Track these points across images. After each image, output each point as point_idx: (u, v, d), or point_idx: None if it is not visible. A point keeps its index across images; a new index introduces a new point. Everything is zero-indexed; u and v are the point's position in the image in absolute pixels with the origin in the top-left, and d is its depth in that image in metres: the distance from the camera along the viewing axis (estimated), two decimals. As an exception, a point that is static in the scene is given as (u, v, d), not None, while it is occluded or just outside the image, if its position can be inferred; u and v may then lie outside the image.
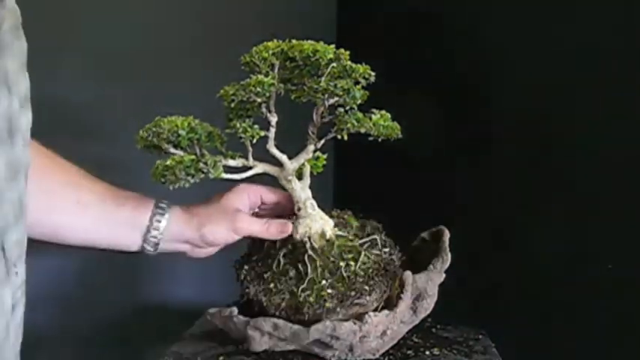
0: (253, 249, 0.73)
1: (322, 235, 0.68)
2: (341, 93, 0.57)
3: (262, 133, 0.61)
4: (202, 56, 1.11)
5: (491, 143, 0.90)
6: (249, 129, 0.58)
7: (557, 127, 0.81)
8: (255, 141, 0.61)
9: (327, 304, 0.61)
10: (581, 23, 0.80)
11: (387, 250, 0.70)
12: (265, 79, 0.56)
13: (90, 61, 1.02)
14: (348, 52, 0.62)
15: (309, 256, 0.66)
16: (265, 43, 0.61)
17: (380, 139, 0.64)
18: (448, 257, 0.66)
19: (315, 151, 0.66)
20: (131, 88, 1.06)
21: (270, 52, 0.59)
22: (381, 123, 0.59)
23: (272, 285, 0.65)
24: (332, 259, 0.66)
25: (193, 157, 0.59)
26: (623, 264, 0.74)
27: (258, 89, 0.56)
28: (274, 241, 0.70)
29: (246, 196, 0.72)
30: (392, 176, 0.89)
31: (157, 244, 0.69)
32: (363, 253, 0.67)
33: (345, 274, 0.64)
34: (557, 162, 0.81)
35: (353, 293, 0.62)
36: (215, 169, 0.59)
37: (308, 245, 0.67)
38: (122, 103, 1.05)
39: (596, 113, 0.78)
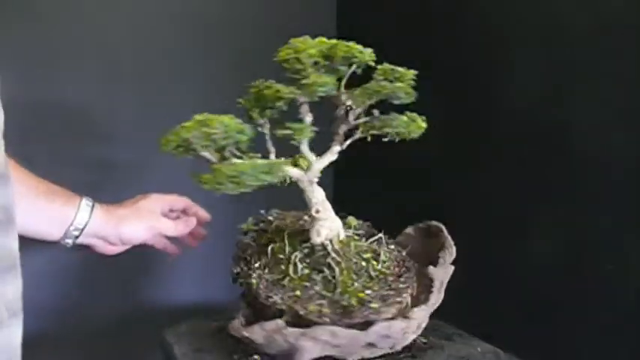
0: (248, 257, 0.69)
1: (338, 236, 0.67)
2: (391, 94, 0.58)
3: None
4: (202, 55, 1.11)
5: (491, 143, 0.90)
6: (305, 129, 0.55)
7: (557, 127, 0.81)
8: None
9: (373, 305, 0.60)
10: (582, 23, 0.79)
11: (392, 247, 0.73)
12: (328, 79, 0.53)
13: (91, 62, 1.01)
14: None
15: (333, 258, 0.65)
16: (303, 40, 0.58)
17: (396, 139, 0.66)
18: (454, 249, 0.70)
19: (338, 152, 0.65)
20: (132, 88, 1.05)
21: (317, 49, 0.56)
22: (408, 124, 0.61)
23: (298, 292, 0.62)
24: (354, 259, 0.66)
25: (265, 160, 0.53)
26: (624, 264, 0.74)
27: (322, 89, 0.53)
28: (282, 246, 0.67)
29: (159, 204, 0.83)
30: (392, 176, 0.88)
31: (76, 237, 0.77)
32: (382, 251, 0.68)
33: (372, 274, 0.65)
34: (557, 162, 0.80)
35: (392, 292, 0.62)
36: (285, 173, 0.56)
37: (330, 248, 0.65)
38: (123, 104, 1.04)
39: (597, 113, 0.78)
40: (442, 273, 0.67)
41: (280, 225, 0.73)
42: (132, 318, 1.05)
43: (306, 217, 0.76)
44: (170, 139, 0.54)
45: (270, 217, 0.76)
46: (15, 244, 0.47)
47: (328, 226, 0.66)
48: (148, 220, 0.80)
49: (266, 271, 0.66)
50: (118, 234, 0.79)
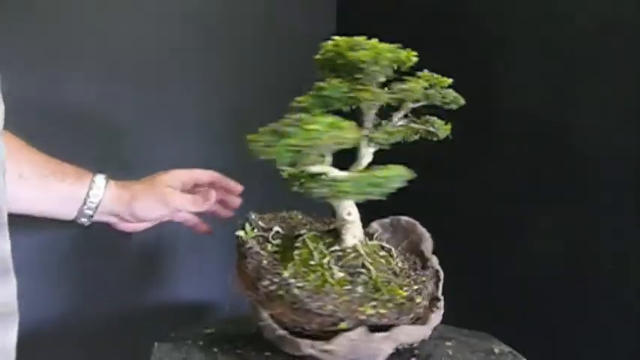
0: (267, 267, 0.63)
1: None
2: (437, 98, 0.60)
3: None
4: (202, 56, 1.09)
5: (491, 143, 0.90)
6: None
7: (557, 127, 0.81)
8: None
9: (418, 300, 0.63)
10: (582, 23, 0.81)
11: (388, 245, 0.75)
12: (417, 86, 0.54)
13: (91, 62, 0.99)
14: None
15: (366, 260, 0.65)
16: (373, 42, 0.56)
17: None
18: (431, 242, 0.77)
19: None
20: (132, 88, 1.02)
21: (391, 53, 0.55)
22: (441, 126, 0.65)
23: (346, 297, 0.61)
24: (378, 260, 0.67)
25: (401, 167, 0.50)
26: (624, 264, 0.75)
27: (416, 95, 0.53)
28: (309, 252, 0.64)
29: (179, 178, 0.80)
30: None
31: (90, 217, 0.76)
32: (393, 250, 0.70)
33: (396, 271, 0.67)
34: (557, 162, 0.81)
35: (421, 286, 0.66)
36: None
37: (362, 250, 0.65)
38: (124, 104, 1.02)
39: (597, 113, 0.78)
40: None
41: (289, 230, 0.69)
42: (132, 318, 1.02)
43: (307, 219, 0.75)
44: (280, 146, 0.47)
45: (262, 223, 0.71)
46: (7, 247, 0.46)
47: (357, 227, 0.66)
48: (163, 196, 0.77)
49: (298, 279, 0.62)
50: (131, 211, 0.77)
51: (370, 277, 0.64)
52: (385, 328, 0.60)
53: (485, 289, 0.90)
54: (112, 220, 0.79)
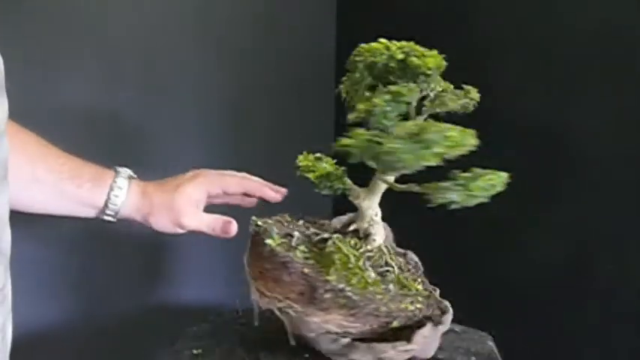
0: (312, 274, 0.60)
1: (384, 238, 0.69)
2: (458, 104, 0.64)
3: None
4: (202, 55, 1.08)
5: (491, 144, 0.80)
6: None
7: (557, 127, 0.80)
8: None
9: (437, 295, 0.68)
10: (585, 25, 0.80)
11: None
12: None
13: (91, 61, 0.97)
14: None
15: (392, 259, 0.66)
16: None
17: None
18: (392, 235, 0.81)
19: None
20: (133, 88, 1.01)
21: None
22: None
23: (387, 297, 0.62)
24: (393, 258, 0.69)
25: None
26: (624, 264, 0.75)
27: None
28: (345, 255, 0.62)
29: (206, 189, 0.75)
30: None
31: (111, 221, 0.74)
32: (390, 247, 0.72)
33: (403, 268, 0.70)
34: (557, 162, 0.80)
35: (426, 280, 0.70)
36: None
37: (386, 250, 0.66)
38: (124, 103, 1.00)
39: (597, 113, 0.78)
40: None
41: (303, 234, 0.66)
42: (133, 318, 1.01)
43: (303, 221, 0.73)
44: (427, 154, 0.46)
45: (276, 229, 0.66)
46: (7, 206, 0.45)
47: (382, 228, 0.67)
48: (178, 217, 0.73)
49: (344, 283, 0.61)
50: (146, 223, 0.74)
51: (395, 275, 0.67)
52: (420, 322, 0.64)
53: (484, 289, 0.90)
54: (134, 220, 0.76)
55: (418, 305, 0.64)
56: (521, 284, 0.86)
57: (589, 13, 0.78)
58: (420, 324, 0.63)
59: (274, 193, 0.79)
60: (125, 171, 0.74)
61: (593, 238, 0.78)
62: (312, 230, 0.68)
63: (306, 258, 0.64)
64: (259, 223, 0.67)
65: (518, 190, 0.94)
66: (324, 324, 0.60)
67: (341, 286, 0.60)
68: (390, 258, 0.68)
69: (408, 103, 0.57)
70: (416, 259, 0.78)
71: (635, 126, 0.73)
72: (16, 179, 0.64)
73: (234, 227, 0.73)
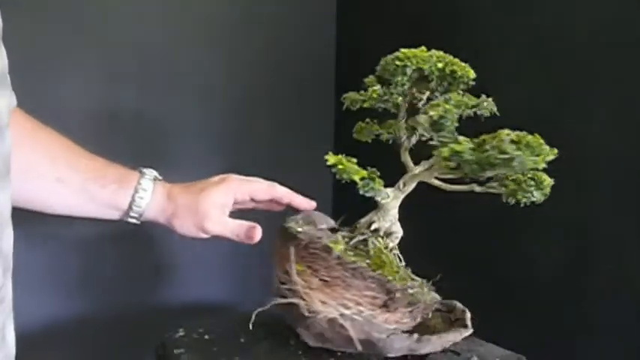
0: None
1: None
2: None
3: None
4: (202, 55, 1.07)
5: None
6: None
7: (557, 127, 0.78)
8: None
9: None
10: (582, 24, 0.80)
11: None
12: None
13: (91, 61, 0.97)
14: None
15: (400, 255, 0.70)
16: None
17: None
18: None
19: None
20: (132, 88, 1.00)
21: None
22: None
23: (417, 287, 0.66)
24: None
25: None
26: (624, 264, 0.75)
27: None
28: (387, 256, 0.64)
29: (232, 193, 0.73)
30: (391, 178, 0.67)
31: (135, 223, 0.72)
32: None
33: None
34: (557, 162, 0.72)
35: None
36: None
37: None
38: (124, 103, 1.00)
39: (597, 113, 0.77)
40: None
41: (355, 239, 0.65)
42: (137, 317, 1.01)
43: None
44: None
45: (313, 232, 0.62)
46: (8, 203, 0.44)
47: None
48: (202, 221, 0.71)
49: (400, 282, 0.63)
50: (170, 226, 0.72)
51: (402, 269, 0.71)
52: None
53: (485, 289, 0.90)
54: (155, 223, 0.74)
55: (433, 294, 0.71)
56: (521, 284, 0.87)
57: (588, 12, 0.79)
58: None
59: (306, 200, 0.76)
60: (150, 172, 0.72)
61: (593, 237, 0.78)
62: (344, 233, 0.68)
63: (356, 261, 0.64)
64: (301, 229, 0.63)
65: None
66: (391, 324, 0.61)
67: (405, 285, 0.63)
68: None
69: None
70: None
71: (636, 126, 0.73)
72: (39, 179, 0.64)
73: (258, 232, 0.70)
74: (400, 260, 0.72)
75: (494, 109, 0.68)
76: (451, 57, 0.67)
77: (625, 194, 0.75)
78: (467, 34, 0.96)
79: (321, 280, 0.61)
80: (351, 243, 0.67)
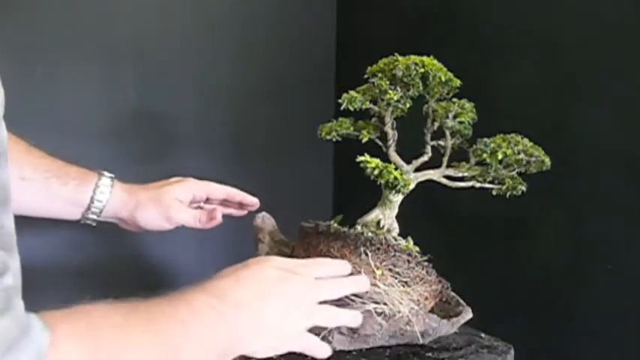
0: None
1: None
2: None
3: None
4: (202, 55, 1.08)
5: None
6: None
7: (557, 127, 0.79)
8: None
9: None
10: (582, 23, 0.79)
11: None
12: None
13: (91, 62, 0.98)
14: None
15: None
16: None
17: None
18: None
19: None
20: (132, 87, 1.01)
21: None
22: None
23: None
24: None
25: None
26: (624, 264, 0.74)
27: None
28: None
29: (190, 191, 0.78)
30: None
31: (95, 220, 0.75)
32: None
33: None
34: (556, 162, 0.72)
35: None
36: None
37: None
38: (124, 103, 1.01)
39: (596, 113, 0.77)
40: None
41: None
42: None
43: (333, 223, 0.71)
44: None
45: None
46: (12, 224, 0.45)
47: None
48: (167, 210, 0.75)
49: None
50: (133, 218, 0.75)
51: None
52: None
53: (484, 289, 0.89)
54: (116, 221, 0.77)
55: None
56: (520, 285, 0.88)
57: (589, 12, 0.80)
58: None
59: (253, 198, 0.81)
60: (108, 174, 0.75)
61: (594, 238, 0.79)
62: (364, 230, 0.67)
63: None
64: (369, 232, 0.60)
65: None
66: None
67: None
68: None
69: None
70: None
71: (636, 126, 0.74)
72: None
73: (219, 213, 0.76)
74: None
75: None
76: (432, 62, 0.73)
77: (625, 194, 0.75)
78: (467, 34, 0.96)
79: (400, 281, 0.61)
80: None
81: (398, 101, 0.69)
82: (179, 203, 0.75)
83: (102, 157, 0.91)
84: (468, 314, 0.70)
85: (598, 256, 0.78)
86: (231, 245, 0.93)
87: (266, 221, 0.78)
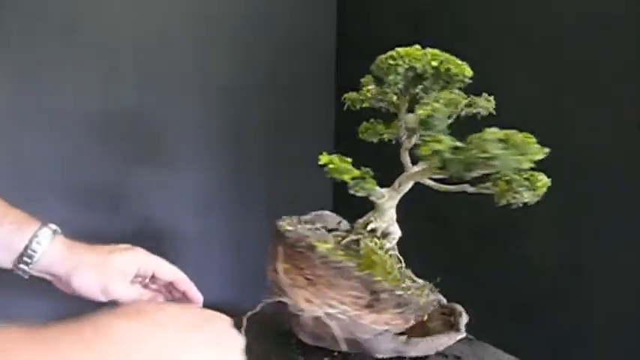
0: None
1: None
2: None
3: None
4: (202, 55, 1.06)
5: None
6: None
7: (557, 127, 0.79)
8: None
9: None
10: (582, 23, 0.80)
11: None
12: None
13: (91, 62, 0.95)
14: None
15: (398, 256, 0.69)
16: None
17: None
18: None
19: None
20: (132, 88, 0.99)
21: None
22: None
23: (416, 291, 0.65)
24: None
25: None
26: (624, 264, 0.75)
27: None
28: (375, 255, 0.63)
29: (138, 264, 0.71)
30: (391, 177, 0.71)
31: (26, 272, 0.67)
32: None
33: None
34: (556, 162, 0.73)
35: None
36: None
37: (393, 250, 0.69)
38: (124, 103, 0.98)
39: (596, 113, 0.78)
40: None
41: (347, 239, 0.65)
42: None
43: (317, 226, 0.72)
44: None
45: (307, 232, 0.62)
46: None
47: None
48: (105, 282, 0.68)
49: (391, 283, 0.62)
50: (67, 279, 0.68)
51: (404, 270, 0.70)
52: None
53: (485, 289, 0.90)
54: (50, 278, 0.69)
55: (432, 297, 0.69)
56: (521, 285, 0.87)
57: (588, 12, 0.79)
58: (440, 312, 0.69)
59: (198, 294, 0.74)
60: (52, 225, 0.69)
61: (592, 237, 0.78)
62: (337, 233, 0.68)
63: (362, 262, 0.64)
64: (291, 228, 0.63)
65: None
66: (379, 325, 0.61)
67: (393, 286, 0.62)
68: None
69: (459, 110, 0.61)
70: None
71: (636, 126, 0.73)
72: None
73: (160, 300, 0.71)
74: (400, 261, 0.72)
75: (491, 107, 0.66)
76: (447, 55, 0.65)
77: (625, 194, 0.75)
78: (468, 34, 0.96)
79: (306, 278, 0.61)
80: (343, 242, 0.67)
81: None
82: (122, 276, 0.70)
83: (102, 157, 0.89)
84: (449, 337, 0.60)
85: (598, 257, 0.76)
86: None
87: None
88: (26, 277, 0.68)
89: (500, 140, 0.54)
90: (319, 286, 0.61)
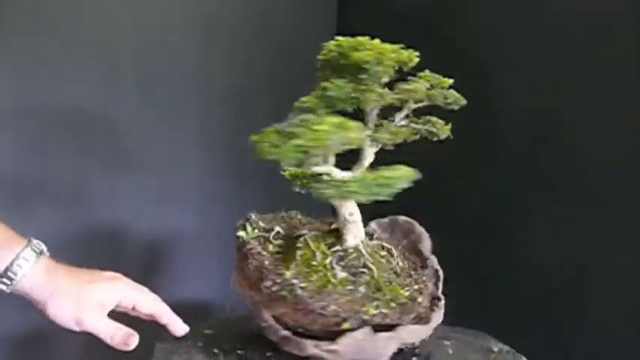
0: (270, 267, 0.64)
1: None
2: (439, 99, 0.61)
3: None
4: (203, 55, 1.08)
5: (491, 145, 0.90)
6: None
7: (557, 128, 0.81)
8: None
9: (420, 300, 0.63)
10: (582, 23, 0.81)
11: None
12: (420, 86, 0.55)
13: (91, 62, 0.98)
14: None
15: (369, 260, 0.65)
16: (375, 42, 0.57)
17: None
18: (430, 242, 0.76)
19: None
20: (132, 88, 1.01)
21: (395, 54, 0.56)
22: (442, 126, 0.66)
23: (348, 297, 0.61)
24: (379, 260, 0.67)
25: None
26: (623, 264, 0.76)
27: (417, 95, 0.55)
28: (311, 252, 0.64)
29: (119, 296, 0.69)
30: None
31: (7, 287, 0.66)
32: (393, 250, 0.70)
33: (397, 270, 0.67)
34: (556, 162, 0.80)
35: (422, 286, 0.66)
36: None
37: (364, 251, 0.65)
38: (124, 103, 1.01)
39: (596, 113, 0.79)
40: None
41: (289, 230, 0.69)
42: (132, 318, 0.95)
43: (306, 219, 0.75)
44: (287, 147, 0.47)
45: (262, 223, 0.71)
46: None
47: (360, 228, 0.66)
48: (80, 314, 0.66)
49: (300, 279, 0.62)
50: (43, 307, 0.66)
51: (372, 277, 0.64)
52: (388, 327, 0.61)
53: (485, 289, 0.90)
54: (29, 300, 0.67)
55: (384, 310, 0.61)
56: (521, 285, 0.87)
57: (588, 12, 0.79)
58: (378, 328, 0.60)
59: (180, 326, 0.71)
60: (38, 244, 0.68)
61: (592, 238, 0.78)
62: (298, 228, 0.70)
63: (277, 252, 0.66)
64: (253, 217, 0.71)
65: (518, 191, 0.89)
66: (270, 316, 0.62)
67: (294, 281, 0.61)
68: (374, 259, 0.66)
69: (339, 99, 0.56)
70: (437, 266, 0.72)
71: (635, 126, 0.73)
72: None
73: (135, 340, 0.67)
74: (363, 266, 0.65)
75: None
76: (376, 42, 0.58)
77: (625, 194, 0.75)
78: (468, 34, 0.95)
79: (238, 264, 0.67)
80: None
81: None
82: (99, 308, 0.67)
83: (102, 158, 0.90)
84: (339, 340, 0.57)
85: (598, 257, 0.77)
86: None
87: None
88: (5, 294, 0.67)
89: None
90: (240, 271, 0.66)
